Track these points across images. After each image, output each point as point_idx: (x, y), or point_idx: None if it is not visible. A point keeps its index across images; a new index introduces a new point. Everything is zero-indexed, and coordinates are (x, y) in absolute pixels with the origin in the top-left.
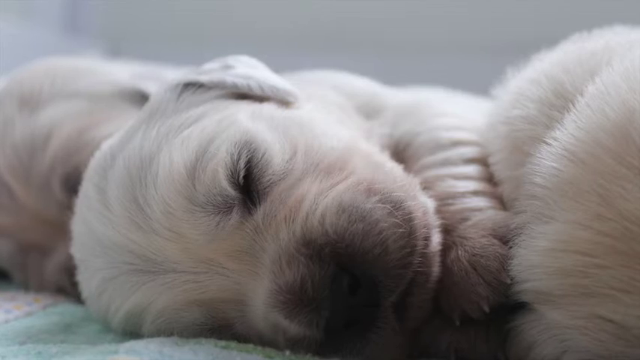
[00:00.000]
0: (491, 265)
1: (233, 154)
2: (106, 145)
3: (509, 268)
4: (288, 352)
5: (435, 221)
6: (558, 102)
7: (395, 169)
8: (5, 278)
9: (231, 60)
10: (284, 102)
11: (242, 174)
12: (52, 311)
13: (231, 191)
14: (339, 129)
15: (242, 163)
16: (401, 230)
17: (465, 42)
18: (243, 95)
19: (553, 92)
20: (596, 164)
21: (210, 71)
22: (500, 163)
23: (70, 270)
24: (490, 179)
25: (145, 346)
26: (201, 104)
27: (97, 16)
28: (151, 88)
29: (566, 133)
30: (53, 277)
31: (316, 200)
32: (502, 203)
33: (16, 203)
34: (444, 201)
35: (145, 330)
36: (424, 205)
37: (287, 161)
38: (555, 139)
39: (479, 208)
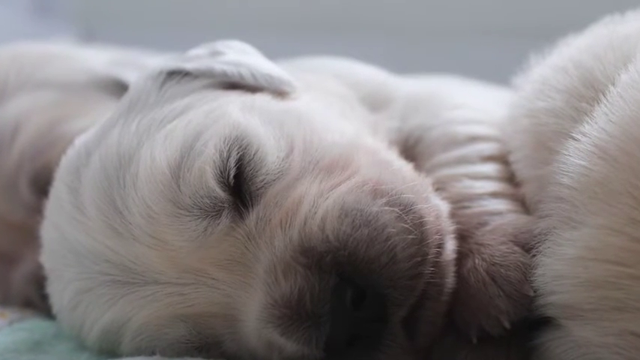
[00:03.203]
0: (512, 276)
1: (222, 151)
2: (79, 141)
3: (532, 278)
4: None
5: (449, 226)
6: (587, 92)
7: (404, 167)
8: None
9: (220, 45)
10: (279, 92)
11: (232, 173)
12: (20, 327)
13: (220, 193)
14: (341, 123)
15: (232, 161)
16: (411, 236)
17: (484, 24)
18: (233, 85)
19: (582, 81)
20: (629, 162)
21: (196, 58)
22: (522, 161)
23: (39, 281)
24: (511, 179)
25: None
26: (187, 95)
27: None
28: (130, 76)
29: (596, 128)
30: (20, 289)
31: (316, 203)
32: (524, 206)
33: None
34: (459, 203)
35: (124, 348)
36: (437, 208)
37: (283, 159)
38: (584, 134)
39: (498, 212)
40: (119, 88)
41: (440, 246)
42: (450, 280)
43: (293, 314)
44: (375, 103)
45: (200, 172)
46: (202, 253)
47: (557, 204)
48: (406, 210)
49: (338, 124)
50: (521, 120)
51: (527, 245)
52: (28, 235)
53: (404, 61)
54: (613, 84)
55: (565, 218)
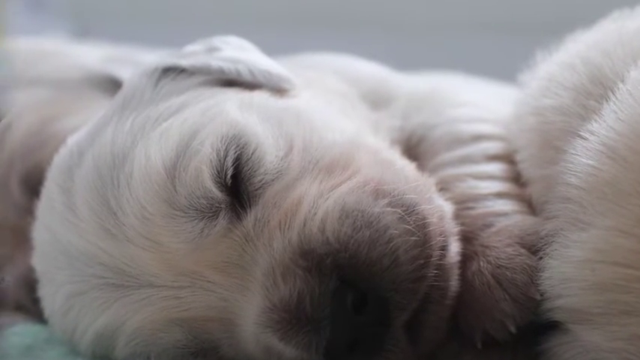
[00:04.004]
0: (518, 279)
1: (219, 150)
2: (72, 140)
3: (538, 281)
4: None
5: (453, 228)
6: (596, 89)
7: (407, 167)
8: None
9: (217, 41)
10: (278, 90)
11: (230, 173)
12: (10, 332)
13: (217, 193)
14: (342, 121)
15: (230, 161)
16: (414, 238)
17: (488, 19)
18: (230, 82)
19: (590, 78)
20: (639, 162)
21: (192, 54)
22: (528, 160)
23: (30, 284)
24: (517, 179)
25: None
26: (183, 92)
27: None
28: (125, 73)
29: (604, 126)
30: (11, 293)
31: (316, 203)
32: (531, 207)
33: None
34: (463, 204)
35: (118, 353)
36: (440, 209)
37: (282, 158)
38: (592, 133)
39: (504, 213)
40: (113, 85)
41: (443, 248)
42: (453, 283)
43: (292, 318)
44: (376, 100)
45: (196, 171)
46: (198, 255)
47: (564, 205)
48: (409, 211)
49: (338, 123)
50: (527, 118)
51: (534, 247)
52: (19, 236)
53: (405, 57)
54: (622, 81)
55: (572, 219)
